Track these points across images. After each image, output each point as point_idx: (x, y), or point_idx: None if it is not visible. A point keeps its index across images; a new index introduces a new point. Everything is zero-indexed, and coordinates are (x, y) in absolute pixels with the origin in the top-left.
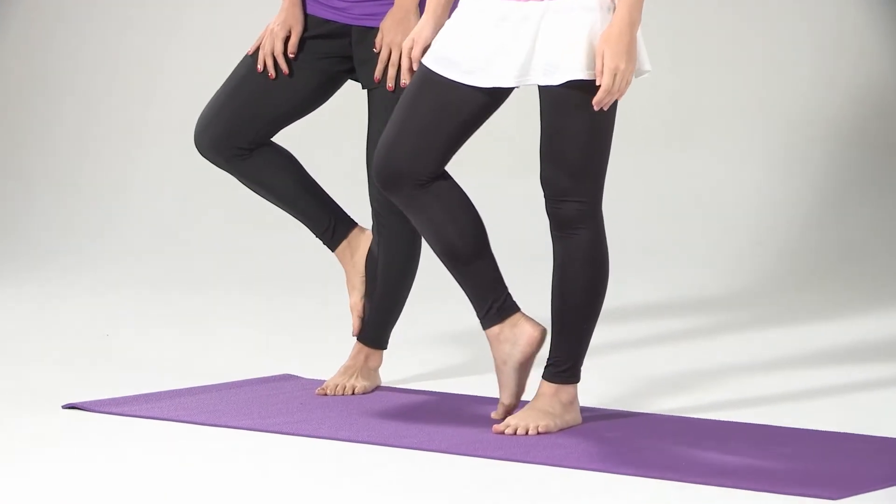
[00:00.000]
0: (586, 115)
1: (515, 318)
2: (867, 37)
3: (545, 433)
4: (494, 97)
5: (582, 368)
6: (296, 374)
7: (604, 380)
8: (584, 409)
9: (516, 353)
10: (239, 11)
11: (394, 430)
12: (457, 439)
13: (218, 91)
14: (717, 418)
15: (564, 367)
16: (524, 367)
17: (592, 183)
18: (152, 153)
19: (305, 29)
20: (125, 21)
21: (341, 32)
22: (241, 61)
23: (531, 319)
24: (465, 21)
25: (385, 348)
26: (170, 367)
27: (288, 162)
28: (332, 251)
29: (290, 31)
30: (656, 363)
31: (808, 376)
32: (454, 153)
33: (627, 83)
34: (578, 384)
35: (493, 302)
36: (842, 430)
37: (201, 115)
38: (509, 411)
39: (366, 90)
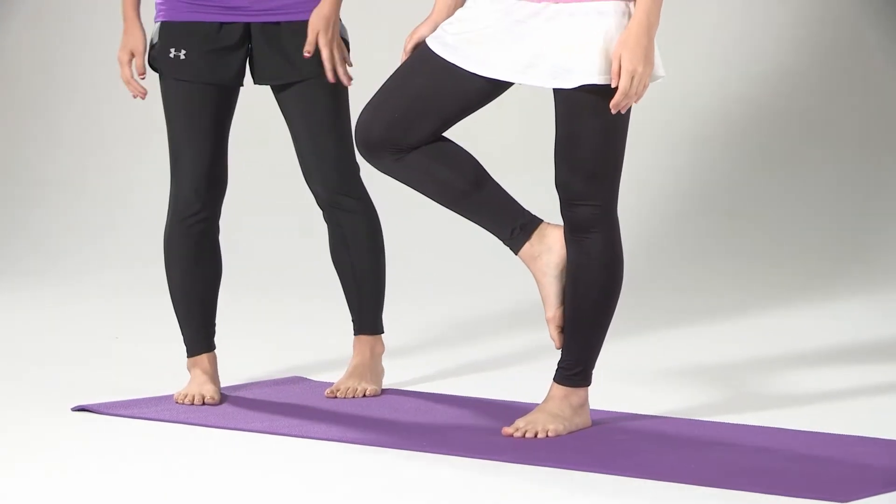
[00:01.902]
0: (601, 119)
1: (541, 228)
2: (873, 39)
3: (555, 437)
4: (492, 87)
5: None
6: (304, 376)
7: (613, 381)
8: (593, 412)
9: (554, 259)
10: None
11: (402, 433)
12: (466, 441)
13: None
14: (725, 420)
15: (576, 371)
16: (563, 273)
17: (607, 186)
18: (158, 155)
19: (201, 45)
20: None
21: (240, 38)
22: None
23: (557, 224)
24: (472, 12)
25: (383, 332)
26: (179, 369)
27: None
28: None
29: (132, 54)
30: (665, 365)
31: (816, 378)
32: (440, 132)
33: (644, 86)
34: (589, 387)
35: (513, 223)
36: (850, 433)
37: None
38: (557, 325)
39: (269, 87)
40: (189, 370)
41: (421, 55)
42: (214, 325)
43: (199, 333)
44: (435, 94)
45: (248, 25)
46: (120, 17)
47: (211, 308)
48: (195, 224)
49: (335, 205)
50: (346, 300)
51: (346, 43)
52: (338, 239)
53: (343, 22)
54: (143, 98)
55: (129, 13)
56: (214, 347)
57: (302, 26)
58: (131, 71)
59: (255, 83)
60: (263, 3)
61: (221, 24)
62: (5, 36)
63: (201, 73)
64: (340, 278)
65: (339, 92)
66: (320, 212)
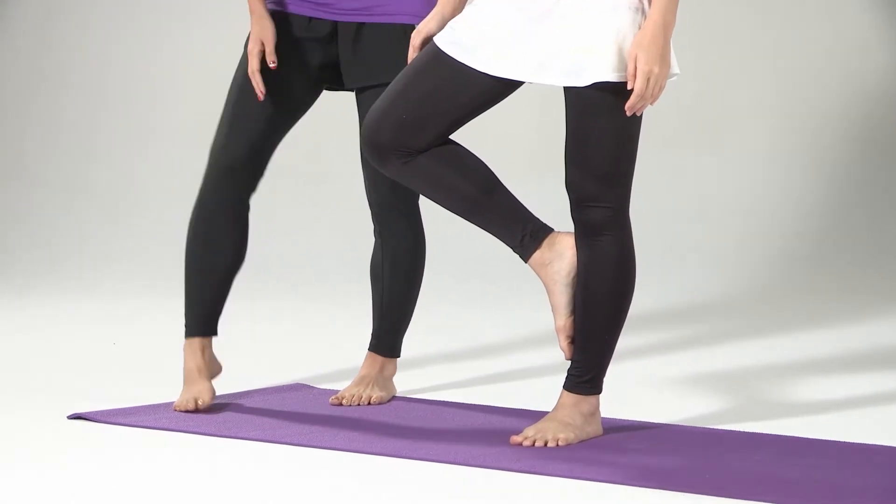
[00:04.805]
0: (614, 119)
1: (551, 237)
2: (890, 41)
3: (565, 446)
4: (503, 86)
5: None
6: (308, 383)
7: (625, 389)
8: (605, 420)
9: (565, 266)
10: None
11: (409, 442)
12: (474, 451)
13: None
14: (740, 429)
15: (586, 378)
16: (574, 281)
17: (620, 187)
18: (160, 157)
19: (290, 32)
20: (131, 20)
21: (327, 35)
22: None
23: (567, 232)
24: (482, 9)
25: (399, 356)
26: (178, 376)
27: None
28: None
29: (262, 45)
30: (679, 372)
31: (834, 386)
32: (449, 133)
33: (661, 88)
34: (600, 395)
35: (523, 230)
36: (868, 442)
37: (211, 153)
38: (567, 335)
39: (353, 91)
40: (184, 356)
41: (429, 54)
42: (221, 310)
43: (202, 313)
44: (445, 95)
45: (335, 25)
46: (114, 18)
47: (222, 289)
48: (228, 197)
49: (385, 219)
50: (371, 314)
51: None
52: (380, 253)
53: None
54: (260, 99)
55: (254, 6)
56: (215, 333)
57: (385, 29)
58: (259, 64)
59: (345, 87)
60: (350, 1)
61: (310, 18)
62: (5, 37)
63: (282, 58)
64: (372, 292)
65: None
66: (338, 223)
